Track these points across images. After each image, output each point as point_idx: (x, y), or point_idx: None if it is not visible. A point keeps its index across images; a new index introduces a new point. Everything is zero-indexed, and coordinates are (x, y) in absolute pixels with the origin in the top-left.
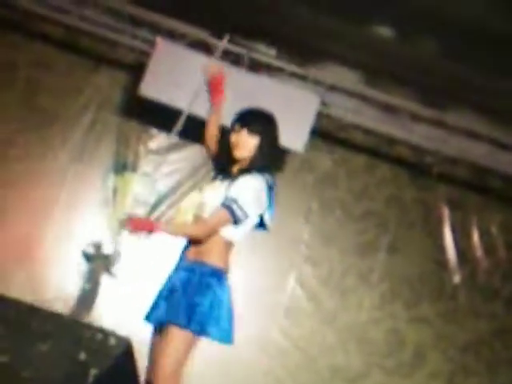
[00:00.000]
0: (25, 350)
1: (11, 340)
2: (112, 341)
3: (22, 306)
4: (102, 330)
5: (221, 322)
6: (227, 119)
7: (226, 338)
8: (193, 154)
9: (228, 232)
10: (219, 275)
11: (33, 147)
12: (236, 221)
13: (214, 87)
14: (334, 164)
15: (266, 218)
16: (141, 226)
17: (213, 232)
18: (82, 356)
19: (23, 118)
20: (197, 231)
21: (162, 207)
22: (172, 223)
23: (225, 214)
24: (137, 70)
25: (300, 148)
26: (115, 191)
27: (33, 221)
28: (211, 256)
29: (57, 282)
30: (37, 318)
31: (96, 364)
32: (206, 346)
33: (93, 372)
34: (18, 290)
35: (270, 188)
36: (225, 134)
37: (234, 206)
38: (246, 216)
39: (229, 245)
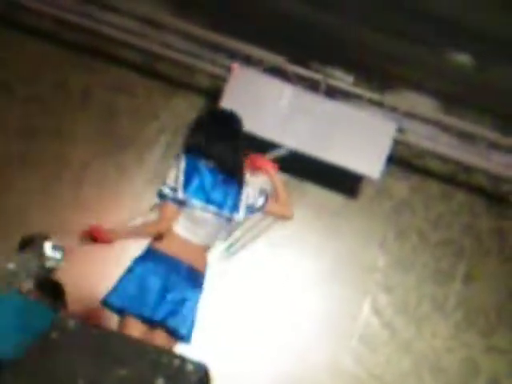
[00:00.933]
0: (103, 375)
1: (90, 365)
2: (189, 366)
3: (102, 330)
4: (179, 356)
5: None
6: (302, 144)
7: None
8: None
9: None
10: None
11: (108, 171)
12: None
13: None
14: (410, 191)
15: (193, 200)
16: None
17: (165, 221)
18: (160, 382)
19: (99, 142)
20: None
21: (238, 232)
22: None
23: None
24: (213, 95)
25: (376, 175)
26: None
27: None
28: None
29: None
30: (115, 342)
31: None
32: (277, 371)
33: None
34: None
35: (194, 169)
36: None
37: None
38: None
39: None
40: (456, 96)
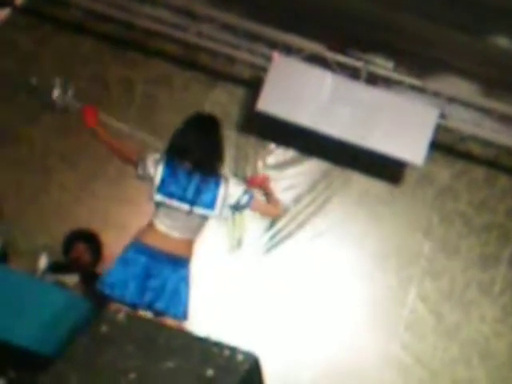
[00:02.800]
0: (152, 368)
1: (139, 357)
2: (239, 357)
3: (150, 323)
4: (229, 347)
5: None
6: (344, 131)
7: None
8: (310, 168)
9: None
10: None
11: None
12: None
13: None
14: (454, 177)
15: (167, 200)
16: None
17: None
18: (210, 373)
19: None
20: None
21: (281, 222)
22: None
23: None
24: (254, 85)
25: (419, 161)
26: None
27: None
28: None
29: None
30: (164, 334)
31: (224, 381)
32: (325, 359)
33: None
34: None
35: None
36: None
37: None
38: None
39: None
40: (498, 80)
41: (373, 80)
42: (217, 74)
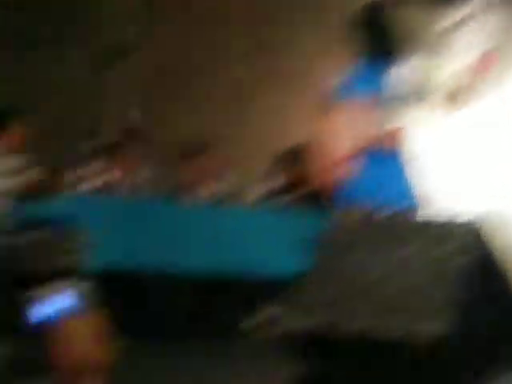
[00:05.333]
0: (389, 261)
1: (376, 255)
2: (465, 229)
3: (378, 218)
4: (458, 223)
5: None
6: None
7: None
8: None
9: None
10: None
11: None
12: None
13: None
14: None
15: None
16: None
17: None
18: (444, 252)
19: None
20: None
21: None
22: None
23: None
24: None
25: None
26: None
27: None
28: None
29: None
30: (395, 225)
31: (459, 257)
32: None
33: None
34: None
35: None
36: None
37: None
38: None
39: None
40: None
41: None
42: None
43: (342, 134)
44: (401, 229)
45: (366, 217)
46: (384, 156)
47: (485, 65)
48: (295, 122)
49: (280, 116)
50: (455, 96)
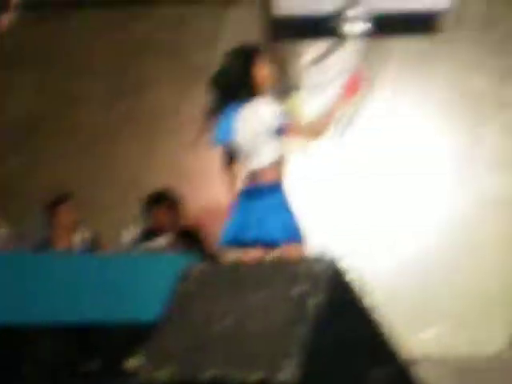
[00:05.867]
0: (242, 304)
1: (231, 299)
2: (320, 266)
3: (229, 265)
4: (308, 260)
5: None
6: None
7: None
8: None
9: None
10: None
11: None
12: None
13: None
14: None
15: None
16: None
17: None
18: (296, 291)
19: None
20: None
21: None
22: None
23: None
24: None
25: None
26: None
27: None
28: None
29: None
30: (246, 271)
31: (312, 293)
32: None
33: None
34: None
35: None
36: None
37: None
38: None
39: None
40: None
41: None
42: None
43: (216, 178)
44: (254, 273)
45: (232, 262)
46: (262, 192)
47: (352, 89)
48: (159, 164)
49: (145, 159)
50: (324, 126)
